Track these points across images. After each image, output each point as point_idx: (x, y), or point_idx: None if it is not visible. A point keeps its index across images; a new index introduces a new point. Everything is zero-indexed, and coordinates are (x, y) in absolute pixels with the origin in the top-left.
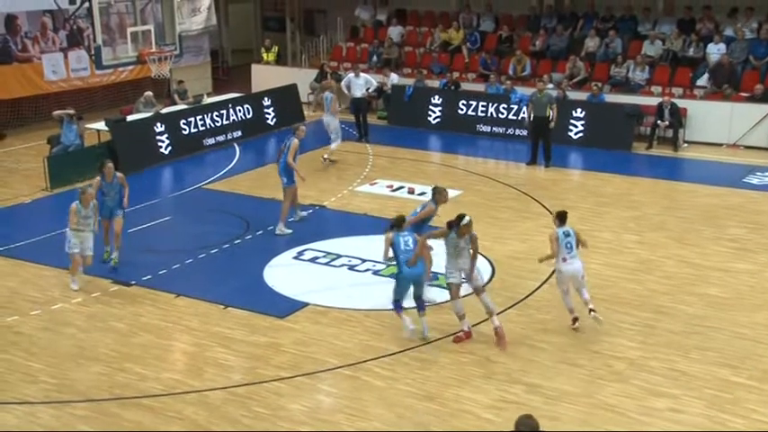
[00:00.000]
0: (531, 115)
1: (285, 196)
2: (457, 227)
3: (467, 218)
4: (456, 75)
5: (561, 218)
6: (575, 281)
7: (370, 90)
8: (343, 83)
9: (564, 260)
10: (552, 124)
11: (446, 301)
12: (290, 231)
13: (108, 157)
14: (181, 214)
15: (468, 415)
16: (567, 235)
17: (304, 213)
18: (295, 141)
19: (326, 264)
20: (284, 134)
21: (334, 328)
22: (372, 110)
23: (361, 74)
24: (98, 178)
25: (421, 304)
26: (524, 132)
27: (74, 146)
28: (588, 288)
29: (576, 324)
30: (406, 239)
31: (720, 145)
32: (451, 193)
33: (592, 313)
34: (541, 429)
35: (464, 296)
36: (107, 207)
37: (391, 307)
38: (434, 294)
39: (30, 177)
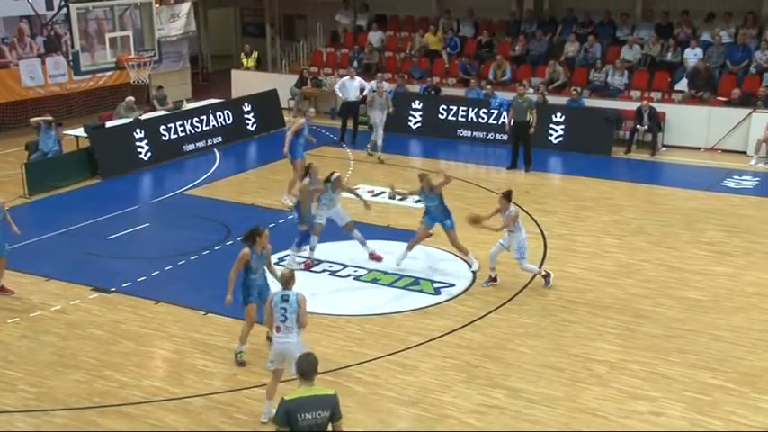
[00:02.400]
0: (512, 120)
1: (295, 169)
2: (331, 182)
3: (336, 174)
4: (436, 80)
5: (509, 196)
6: None
7: (364, 93)
8: (336, 86)
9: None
10: (532, 129)
11: (428, 306)
12: (291, 204)
13: (90, 164)
14: (161, 220)
15: (451, 420)
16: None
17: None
18: (299, 121)
19: (307, 270)
20: (265, 139)
21: (316, 333)
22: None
23: (356, 77)
24: (246, 249)
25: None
26: (504, 137)
27: (52, 152)
28: None
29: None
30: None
31: (698, 149)
32: None
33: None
34: None
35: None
36: (256, 287)
37: (373, 312)
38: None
39: (7, 184)
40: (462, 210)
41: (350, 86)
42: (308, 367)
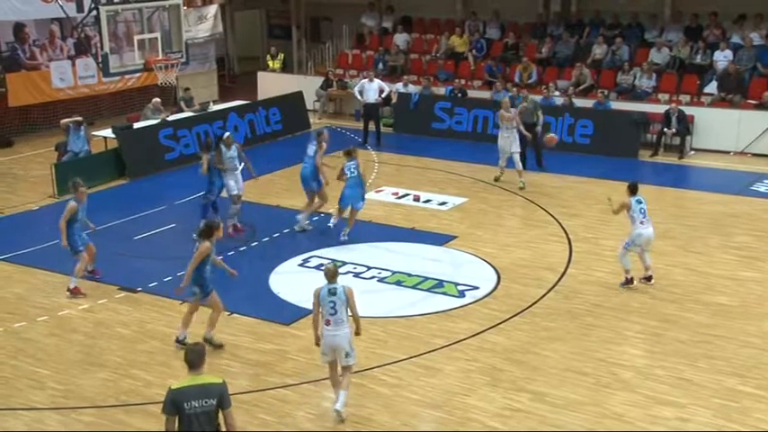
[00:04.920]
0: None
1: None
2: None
3: (227, 133)
4: (462, 82)
5: (633, 189)
6: (647, 243)
7: (383, 95)
8: (356, 88)
9: (641, 223)
10: (539, 128)
11: (452, 309)
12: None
13: (118, 165)
14: (187, 221)
15: (475, 423)
16: (639, 202)
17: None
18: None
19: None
20: (290, 141)
21: None
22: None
23: (375, 79)
24: (207, 243)
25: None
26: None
27: (83, 152)
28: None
29: (632, 283)
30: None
31: (728, 152)
32: (457, 200)
33: (651, 281)
34: None
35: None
36: (210, 279)
37: (397, 314)
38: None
39: (37, 184)
40: (485, 213)
41: (369, 89)
42: (194, 357)
